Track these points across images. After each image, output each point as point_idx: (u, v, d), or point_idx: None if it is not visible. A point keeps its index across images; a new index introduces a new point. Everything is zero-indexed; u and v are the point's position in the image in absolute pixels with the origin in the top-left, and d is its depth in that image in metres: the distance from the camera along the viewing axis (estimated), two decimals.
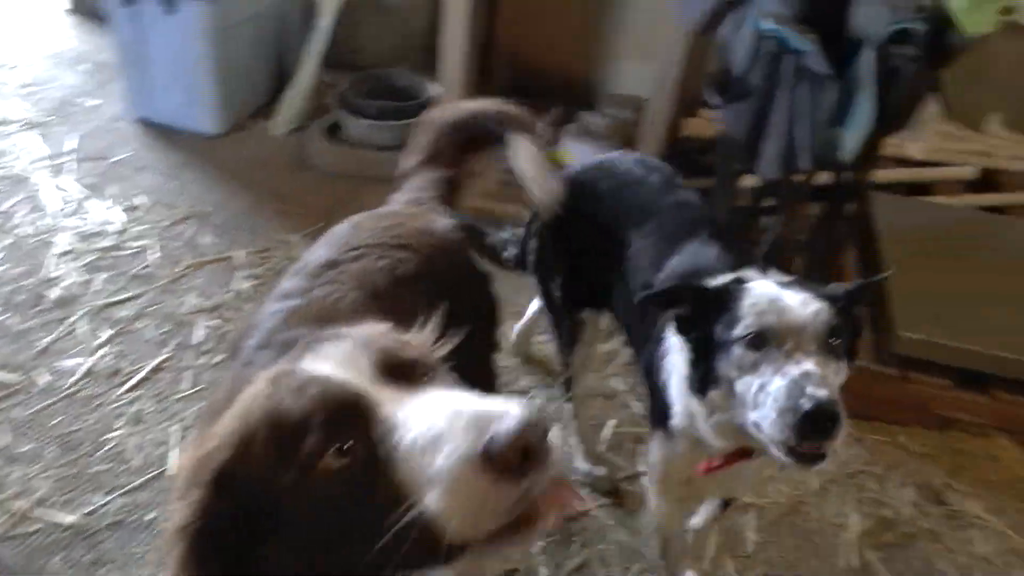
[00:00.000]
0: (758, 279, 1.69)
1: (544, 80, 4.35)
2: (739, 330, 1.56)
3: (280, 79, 4.42)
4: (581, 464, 2.65)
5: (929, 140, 3.94)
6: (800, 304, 1.55)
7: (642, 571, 2.44)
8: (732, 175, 2.76)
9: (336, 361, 1.05)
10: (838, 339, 1.56)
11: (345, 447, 0.96)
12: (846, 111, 2.50)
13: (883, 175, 3.80)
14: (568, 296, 2.36)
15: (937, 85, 2.64)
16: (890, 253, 3.25)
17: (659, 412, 1.90)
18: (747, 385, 1.55)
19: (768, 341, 1.53)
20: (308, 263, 1.66)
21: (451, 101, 3.64)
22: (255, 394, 1.06)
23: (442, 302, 1.63)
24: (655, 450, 1.98)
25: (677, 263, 1.96)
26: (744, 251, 1.99)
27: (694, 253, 1.95)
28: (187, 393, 2.82)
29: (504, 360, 3.01)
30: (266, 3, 4.28)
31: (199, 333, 3.06)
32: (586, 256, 2.25)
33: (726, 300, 1.62)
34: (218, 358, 2.93)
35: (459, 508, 0.92)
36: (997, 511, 2.76)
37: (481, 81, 4.09)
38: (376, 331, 1.15)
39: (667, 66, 3.29)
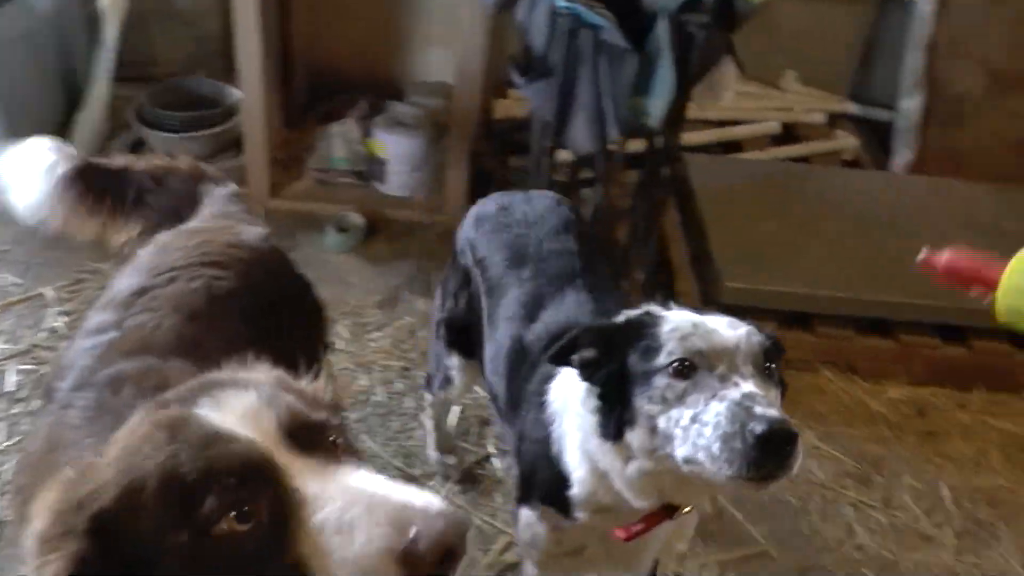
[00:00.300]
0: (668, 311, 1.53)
1: (349, 74, 4.34)
2: (662, 358, 1.40)
3: (71, 99, 4.19)
4: (432, 454, 2.70)
5: (731, 100, 4.20)
6: (727, 326, 1.43)
7: (503, 550, 2.51)
8: (546, 152, 2.86)
9: (240, 415, 0.99)
10: (772, 363, 1.43)
11: (246, 512, 0.92)
12: (649, 80, 2.64)
13: (694, 137, 4.03)
14: (446, 332, 2.29)
15: (731, 48, 2.83)
16: (708, 210, 3.47)
17: (550, 485, 1.69)
18: (673, 420, 1.37)
19: (697, 367, 1.37)
20: (117, 293, 1.62)
21: (254, 104, 3.59)
22: (143, 437, 0.99)
23: (263, 315, 1.64)
24: (535, 526, 1.76)
25: (551, 315, 1.86)
26: (622, 300, 1.90)
27: (568, 305, 1.86)
28: (3, 446, 2.66)
29: (341, 361, 3.02)
30: (40, 18, 4.04)
31: (11, 380, 2.89)
32: (467, 297, 2.17)
33: (640, 330, 1.47)
34: (36, 404, 2.78)
35: None
36: (829, 438, 3.02)
37: (283, 81, 4.04)
38: (279, 382, 1.10)
39: (470, 50, 3.35)
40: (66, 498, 0.98)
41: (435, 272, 3.48)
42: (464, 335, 2.21)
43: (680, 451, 1.36)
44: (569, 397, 1.64)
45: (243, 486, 0.92)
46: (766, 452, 1.26)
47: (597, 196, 2.95)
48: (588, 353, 1.50)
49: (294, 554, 0.92)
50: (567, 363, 1.54)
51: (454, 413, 2.90)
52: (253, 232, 1.83)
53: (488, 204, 2.19)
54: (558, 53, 2.59)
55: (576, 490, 1.63)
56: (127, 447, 1.00)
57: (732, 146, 4.27)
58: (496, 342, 1.96)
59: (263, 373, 1.14)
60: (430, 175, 3.83)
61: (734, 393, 1.32)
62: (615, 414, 1.47)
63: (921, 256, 0.76)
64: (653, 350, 1.42)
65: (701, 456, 1.32)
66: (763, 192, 3.72)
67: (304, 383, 1.16)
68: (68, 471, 1.03)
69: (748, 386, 1.34)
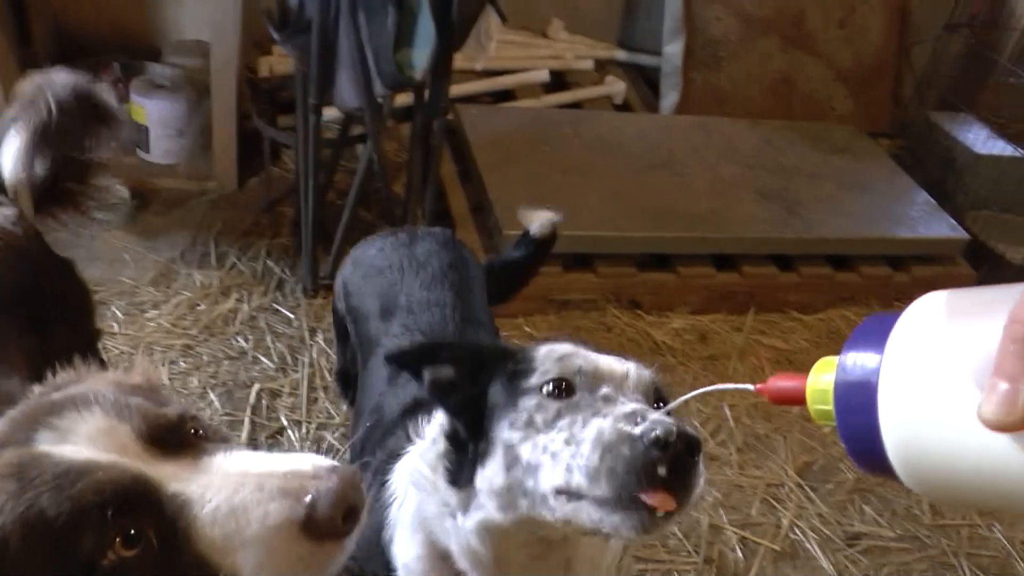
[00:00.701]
0: None
1: (98, 33, 4.11)
2: (534, 379, 1.20)
3: None
4: None
5: (496, 50, 4.34)
6: (614, 359, 1.24)
7: None
8: (313, 109, 2.86)
9: (91, 439, 0.92)
10: (665, 403, 1.21)
11: (132, 534, 0.87)
12: (411, 32, 2.69)
13: (465, 88, 4.16)
14: (340, 386, 2.25)
15: None
16: (484, 160, 3.60)
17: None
18: (540, 446, 1.15)
19: (575, 389, 1.17)
20: None
21: None
22: None
23: (26, 305, 1.57)
24: None
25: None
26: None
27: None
28: None
29: (119, 345, 2.94)
30: None
31: None
32: (348, 347, 2.04)
33: (512, 356, 1.27)
34: None
35: (282, 572, 0.90)
36: None
37: (22, 45, 3.78)
38: (117, 384, 1.03)
39: (224, 4, 3.27)
40: None
41: (210, 242, 3.43)
42: (345, 379, 2.16)
43: (547, 480, 1.13)
44: (413, 477, 1.39)
45: (122, 513, 0.87)
46: (663, 459, 1.02)
47: (370, 151, 2.98)
48: (445, 372, 1.28)
49: (194, 555, 0.90)
50: (415, 373, 1.31)
51: (254, 390, 2.88)
52: (2, 213, 1.71)
53: (369, 246, 2.06)
54: (314, 6, 2.59)
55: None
56: None
57: (505, 95, 4.42)
58: (360, 402, 1.83)
59: (94, 377, 1.07)
60: (196, 140, 3.73)
61: (620, 409, 1.11)
62: (469, 453, 1.25)
63: (754, 389, 0.83)
64: (523, 372, 1.22)
65: (576, 480, 1.08)
66: (538, 139, 3.90)
67: (137, 372, 1.12)
68: None
69: (636, 405, 1.13)
